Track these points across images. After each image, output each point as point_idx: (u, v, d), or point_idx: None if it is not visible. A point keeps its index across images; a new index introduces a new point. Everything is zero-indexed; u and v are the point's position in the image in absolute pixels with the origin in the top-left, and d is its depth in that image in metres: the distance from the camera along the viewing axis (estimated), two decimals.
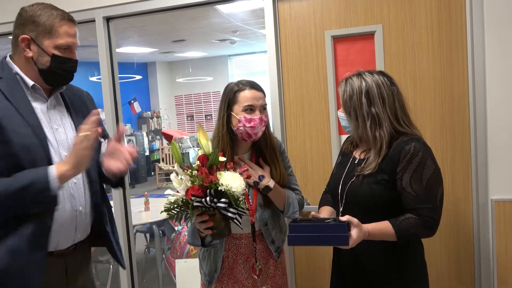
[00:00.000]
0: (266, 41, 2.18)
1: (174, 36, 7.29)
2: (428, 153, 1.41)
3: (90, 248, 1.62)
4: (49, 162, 1.36)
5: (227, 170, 1.41)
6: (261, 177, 1.63)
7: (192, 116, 10.60)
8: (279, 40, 2.18)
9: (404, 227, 1.37)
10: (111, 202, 2.31)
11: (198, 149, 1.45)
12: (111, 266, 3.64)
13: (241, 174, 1.42)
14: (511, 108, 1.86)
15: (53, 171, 1.29)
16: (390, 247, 1.43)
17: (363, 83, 1.44)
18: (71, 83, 1.54)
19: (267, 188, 1.63)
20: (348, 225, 1.32)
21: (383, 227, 1.38)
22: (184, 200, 1.38)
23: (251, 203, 1.66)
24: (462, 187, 2.01)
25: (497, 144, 1.89)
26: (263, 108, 1.63)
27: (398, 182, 1.40)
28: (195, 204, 1.36)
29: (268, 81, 2.17)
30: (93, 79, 8.26)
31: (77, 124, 1.48)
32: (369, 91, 1.43)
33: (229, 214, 1.37)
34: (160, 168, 9.47)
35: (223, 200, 1.36)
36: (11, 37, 1.46)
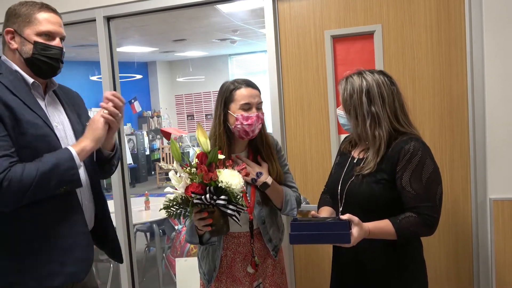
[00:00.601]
0: (266, 41, 2.19)
1: (175, 36, 7.31)
2: (427, 152, 1.42)
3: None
4: None
5: (226, 168, 1.43)
6: (259, 174, 1.64)
7: (193, 115, 10.62)
8: (279, 39, 2.19)
9: (404, 225, 1.38)
10: (112, 202, 2.34)
11: (197, 148, 1.46)
12: (111, 265, 3.65)
13: (239, 171, 1.43)
14: (509, 107, 1.87)
15: (72, 149, 1.37)
16: (390, 245, 1.44)
17: (364, 82, 1.45)
18: (70, 86, 1.58)
19: (265, 184, 1.64)
20: (349, 223, 1.33)
21: (383, 226, 1.39)
22: (183, 198, 1.40)
23: (249, 201, 1.67)
24: (460, 186, 2.02)
25: (496, 143, 1.90)
26: (259, 106, 1.65)
27: (397, 181, 1.41)
28: (195, 201, 1.37)
29: (268, 80, 2.18)
30: (94, 78, 8.27)
31: (73, 122, 1.53)
32: (369, 90, 1.44)
33: (229, 211, 1.39)
34: (161, 168, 9.48)
35: (222, 197, 1.37)
36: None
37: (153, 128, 10.44)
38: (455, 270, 2.05)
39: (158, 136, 10.50)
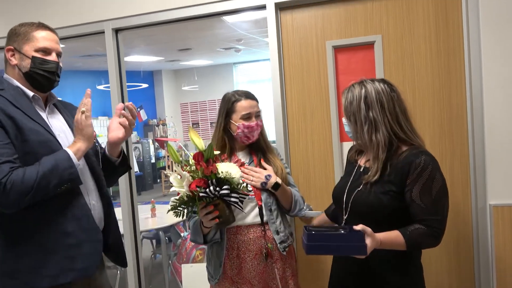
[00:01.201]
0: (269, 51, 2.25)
1: (180, 45, 7.40)
2: (437, 167, 1.46)
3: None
4: None
5: (222, 162, 1.54)
6: (268, 177, 1.76)
7: (198, 123, 10.69)
8: (281, 49, 2.25)
9: (413, 237, 1.42)
10: (119, 209, 2.39)
11: (191, 152, 1.57)
12: (118, 272, 3.70)
13: (235, 163, 1.57)
14: (508, 114, 1.91)
15: (69, 150, 1.47)
16: (394, 250, 1.46)
17: (363, 90, 1.51)
18: (78, 95, 1.68)
19: (276, 184, 1.76)
20: (364, 234, 1.36)
21: (394, 237, 1.42)
22: (188, 196, 1.48)
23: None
24: (461, 192, 2.05)
25: (495, 150, 1.93)
26: (257, 114, 1.83)
27: (407, 194, 1.45)
28: (200, 195, 1.46)
29: (271, 89, 2.24)
30: (101, 87, 8.37)
31: (73, 130, 1.61)
32: (367, 96, 1.50)
33: (232, 199, 1.49)
34: (166, 175, 9.54)
35: (225, 187, 1.48)
36: None
37: (158, 136, 10.52)
38: (456, 276, 2.08)
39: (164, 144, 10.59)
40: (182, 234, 3.90)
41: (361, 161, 1.62)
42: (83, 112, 1.49)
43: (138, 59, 8.09)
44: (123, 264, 1.75)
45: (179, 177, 1.53)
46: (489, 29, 1.91)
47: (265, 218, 1.77)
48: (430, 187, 1.43)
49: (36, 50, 1.53)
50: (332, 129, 2.19)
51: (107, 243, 1.66)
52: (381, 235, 1.40)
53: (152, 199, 4.47)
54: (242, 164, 1.66)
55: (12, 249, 1.45)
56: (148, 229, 3.95)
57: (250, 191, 1.64)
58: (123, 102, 2.52)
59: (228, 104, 1.82)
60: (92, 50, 6.15)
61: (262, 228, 1.76)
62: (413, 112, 2.05)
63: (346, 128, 1.61)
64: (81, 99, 1.78)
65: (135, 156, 9.41)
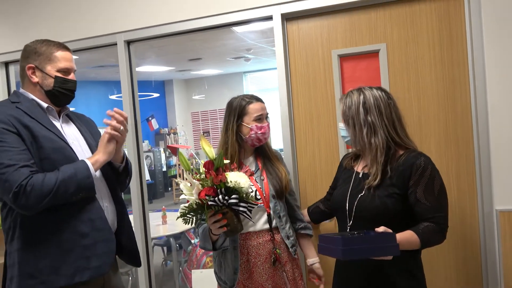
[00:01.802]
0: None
1: (191, 55, 7.52)
2: (435, 167, 1.54)
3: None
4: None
5: (232, 171, 1.57)
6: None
7: (208, 132, 10.78)
8: (288, 58, 2.30)
9: (426, 235, 1.48)
10: (131, 217, 2.44)
11: (202, 160, 1.61)
12: (130, 278, 3.75)
13: (245, 173, 1.59)
14: None
15: (87, 161, 1.57)
16: (407, 253, 1.51)
17: (361, 96, 1.59)
18: (91, 106, 1.75)
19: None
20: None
21: (409, 236, 1.47)
22: (197, 203, 1.52)
23: (264, 195, 1.81)
24: (467, 198, 2.07)
25: (501, 155, 1.95)
26: (267, 116, 1.88)
27: (411, 195, 1.51)
28: (209, 203, 1.49)
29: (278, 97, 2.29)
30: (113, 97, 8.51)
31: (87, 138, 1.73)
32: (366, 101, 1.57)
33: (241, 209, 1.52)
34: (177, 184, 9.61)
35: (234, 196, 1.51)
36: None
37: (170, 145, 10.63)
38: (464, 281, 2.08)
39: None
40: (192, 241, 3.95)
41: (358, 168, 1.68)
42: (106, 131, 1.61)
43: (149, 69, 8.23)
44: (137, 264, 1.81)
45: (189, 184, 1.57)
46: (492, 36, 1.94)
47: (273, 225, 1.81)
48: (432, 186, 1.50)
49: (58, 70, 1.64)
50: (338, 136, 2.22)
51: (121, 244, 1.72)
52: (398, 236, 1.44)
53: (163, 207, 4.52)
54: (251, 174, 1.70)
55: (32, 250, 1.53)
56: (159, 236, 4.00)
57: (258, 199, 1.66)
58: (134, 111, 2.60)
59: (239, 108, 1.84)
60: (105, 61, 6.29)
61: (271, 234, 1.80)
62: (419, 119, 2.10)
63: (343, 133, 1.68)
64: (94, 108, 1.87)
65: (147, 165, 9.52)
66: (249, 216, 1.57)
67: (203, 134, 10.78)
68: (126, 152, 1.81)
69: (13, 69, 2.89)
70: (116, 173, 1.75)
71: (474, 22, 1.98)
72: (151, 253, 2.69)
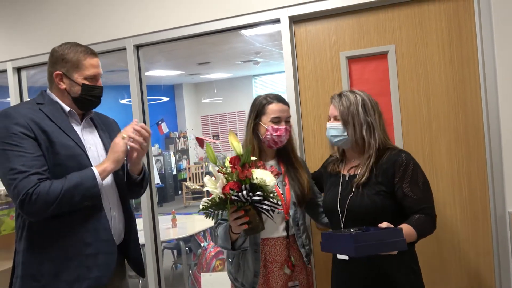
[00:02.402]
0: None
1: (200, 59, 7.56)
2: (416, 162, 1.61)
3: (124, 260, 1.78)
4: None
5: (258, 168, 1.54)
6: None
7: (218, 135, 10.82)
8: (296, 61, 2.30)
9: (420, 226, 1.51)
10: (140, 220, 2.46)
11: (228, 156, 1.60)
12: (140, 281, 3.77)
13: (271, 172, 1.57)
14: None
15: (95, 169, 1.56)
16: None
17: (358, 97, 1.65)
18: (101, 110, 1.81)
19: None
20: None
21: (406, 229, 1.47)
22: (221, 198, 1.50)
23: (285, 201, 1.78)
24: (479, 200, 2.04)
25: None
26: (287, 119, 1.83)
27: (398, 190, 1.56)
28: (232, 197, 1.47)
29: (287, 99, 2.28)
30: (123, 101, 8.58)
31: (105, 143, 1.73)
32: (364, 103, 1.64)
33: (264, 207, 1.49)
34: (187, 187, 9.66)
35: (258, 193, 1.48)
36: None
37: (179, 148, 10.68)
38: (477, 285, 2.05)
39: (185, 156, 10.73)
40: (202, 244, 3.95)
41: (344, 171, 1.72)
42: (123, 138, 1.60)
43: (159, 73, 8.29)
44: (142, 274, 1.81)
45: (213, 178, 1.55)
46: (503, 35, 1.92)
47: (291, 232, 1.79)
48: (416, 180, 1.57)
49: (85, 78, 1.64)
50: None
51: (128, 253, 1.73)
52: None
53: (173, 210, 4.54)
54: (277, 174, 1.67)
55: (36, 253, 1.55)
56: (169, 239, 4.01)
57: (279, 205, 1.60)
58: (143, 115, 2.61)
59: (259, 106, 1.82)
60: (115, 66, 6.34)
61: (287, 241, 1.78)
62: (428, 120, 2.08)
63: (333, 132, 1.68)
64: (104, 113, 1.88)
65: (157, 168, 9.57)
66: (271, 216, 1.54)
67: (213, 137, 10.85)
68: (145, 166, 1.80)
69: (25, 75, 2.93)
70: (132, 183, 1.75)
71: (484, 21, 1.96)
72: (161, 256, 2.70)
